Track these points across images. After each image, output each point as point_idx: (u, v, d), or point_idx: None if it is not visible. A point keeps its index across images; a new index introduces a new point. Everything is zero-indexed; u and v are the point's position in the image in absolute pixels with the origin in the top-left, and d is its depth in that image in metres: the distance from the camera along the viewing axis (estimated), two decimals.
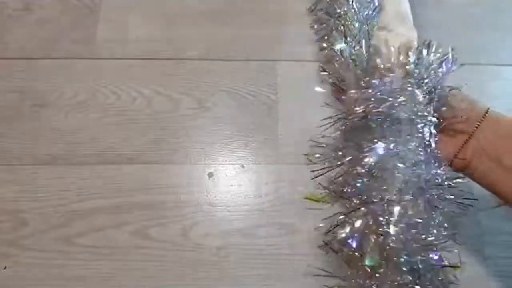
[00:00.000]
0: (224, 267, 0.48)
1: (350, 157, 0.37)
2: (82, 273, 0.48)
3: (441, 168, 0.37)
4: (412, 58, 0.38)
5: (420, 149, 0.36)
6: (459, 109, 0.37)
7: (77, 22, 0.59)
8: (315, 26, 0.50)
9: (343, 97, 0.39)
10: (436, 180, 0.36)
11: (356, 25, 0.41)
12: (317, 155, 0.39)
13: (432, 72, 0.38)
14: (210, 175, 0.53)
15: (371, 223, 0.35)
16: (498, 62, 0.59)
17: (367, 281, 0.35)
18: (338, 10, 0.43)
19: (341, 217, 0.36)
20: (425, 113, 0.36)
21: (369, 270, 0.34)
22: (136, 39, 0.58)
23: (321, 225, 0.39)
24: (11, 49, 0.58)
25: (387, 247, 0.34)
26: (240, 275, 0.48)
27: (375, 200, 0.35)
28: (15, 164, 0.52)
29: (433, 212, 0.36)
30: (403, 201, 0.34)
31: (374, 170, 0.35)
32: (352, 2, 0.42)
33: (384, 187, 0.35)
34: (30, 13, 0.60)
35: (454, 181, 0.38)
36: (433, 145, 0.37)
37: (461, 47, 0.61)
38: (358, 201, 0.36)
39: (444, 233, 0.36)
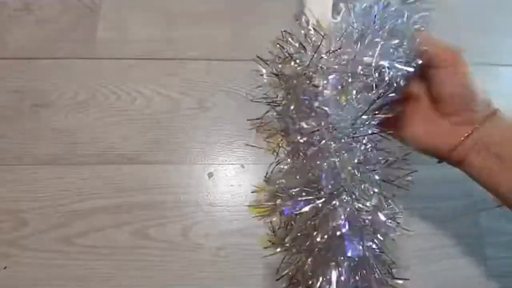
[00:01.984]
0: (224, 267, 0.49)
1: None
2: (82, 273, 0.48)
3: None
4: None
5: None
6: (477, 98, 0.35)
7: (77, 22, 0.59)
8: None
9: None
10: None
11: None
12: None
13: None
14: (210, 175, 0.53)
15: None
16: (498, 62, 0.59)
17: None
18: None
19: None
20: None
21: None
22: (136, 39, 0.58)
23: None
24: (11, 49, 0.58)
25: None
26: (240, 275, 0.48)
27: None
28: (15, 164, 0.52)
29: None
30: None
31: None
32: None
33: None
34: (30, 13, 0.60)
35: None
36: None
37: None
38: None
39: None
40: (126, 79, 0.56)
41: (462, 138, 0.36)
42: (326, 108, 0.33)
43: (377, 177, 0.35)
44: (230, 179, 0.52)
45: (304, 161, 0.34)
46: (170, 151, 0.53)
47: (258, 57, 0.38)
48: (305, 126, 0.33)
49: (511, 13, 0.62)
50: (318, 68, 0.34)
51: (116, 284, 0.48)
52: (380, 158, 0.35)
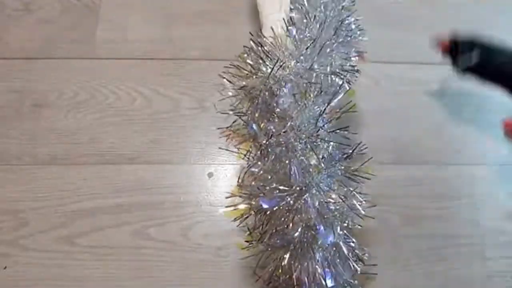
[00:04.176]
0: (224, 267, 0.49)
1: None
2: (82, 273, 0.48)
3: None
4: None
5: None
6: None
7: (77, 22, 0.59)
8: None
9: None
10: None
11: None
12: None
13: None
14: (210, 175, 0.53)
15: None
16: None
17: None
18: None
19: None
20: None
21: None
22: (136, 39, 0.58)
23: None
24: (11, 49, 0.58)
25: None
26: (240, 275, 0.48)
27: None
28: (14, 164, 0.52)
29: None
30: None
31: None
32: None
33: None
34: (30, 13, 0.60)
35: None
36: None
37: None
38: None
39: None
40: (126, 79, 0.56)
41: None
42: (288, 113, 0.37)
43: (339, 172, 0.38)
44: (230, 179, 0.52)
45: (274, 161, 0.37)
46: (170, 151, 0.53)
47: (221, 74, 0.41)
48: (272, 129, 0.36)
49: (511, 13, 0.62)
50: (277, 78, 0.37)
51: (116, 284, 0.48)
52: (341, 153, 0.38)
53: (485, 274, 0.49)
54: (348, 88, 0.40)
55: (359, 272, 0.40)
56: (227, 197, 0.45)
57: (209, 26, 0.60)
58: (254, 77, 0.39)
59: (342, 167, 0.38)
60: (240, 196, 0.40)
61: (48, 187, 0.51)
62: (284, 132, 0.36)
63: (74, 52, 0.57)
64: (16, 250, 0.48)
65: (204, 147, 0.54)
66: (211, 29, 0.59)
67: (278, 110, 0.37)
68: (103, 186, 0.51)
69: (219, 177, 0.53)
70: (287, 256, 0.38)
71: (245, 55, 0.41)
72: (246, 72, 0.40)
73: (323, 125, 0.37)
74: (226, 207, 0.43)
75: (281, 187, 0.37)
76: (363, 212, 0.39)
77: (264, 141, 0.37)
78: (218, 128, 0.49)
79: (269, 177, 0.38)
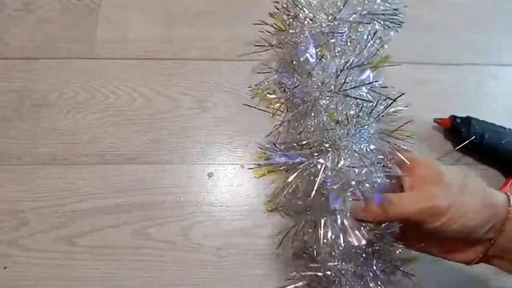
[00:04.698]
0: (224, 267, 0.49)
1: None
2: (82, 273, 0.48)
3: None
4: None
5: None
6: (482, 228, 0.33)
7: (77, 22, 0.59)
8: None
9: None
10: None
11: None
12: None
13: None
14: (210, 175, 0.53)
15: None
16: (498, 62, 0.59)
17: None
18: None
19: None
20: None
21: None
22: (136, 39, 0.58)
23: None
24: (11, 49, 0.58)
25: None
26: (240, 275, 0.48)
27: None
28: (14, 164, 0.52)
29: None
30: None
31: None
32: None
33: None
34: (30, 13, 0.60)
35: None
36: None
37: (461, 47, 0.61)
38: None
39: None
40: (126, 79, 0.56)
41: (483, 253, 0.35)
42: (311, 67, 0.34)
43: (371, 131, 0.33)
44: (230, 179, 0.52)
45: (296, 118, 0.35)
46: (170, 151, 0.53)
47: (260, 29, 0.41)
48: (293, 84, 0.34)
49: (511, 13, 0.62)
50: (302, 31, 0.36)
51: (116, 284, 0.48)
52: (373, 112, 0.34)
53: (485, 274, 0.49)
54: (384, 36, 0.37)
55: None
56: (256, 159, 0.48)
57: (209, 26, 0.60)
58: (283, 33, 0.37)
59: (379, 129, 0.34)
60: (265, 156, 0.39)
61: (48, 187, 0.51)
62: (302, 86, 0.33)
63: (74, 52, 0.57)
64: (16, 250, 0.48)
65: (204, 147, 0.54)
66: (211, 29, 0.59)
67: (301, 64, 0.35)
68: (103, 186, 0.51)
69: (219, 177, 0.53)
70: (303, 219, 0.36)
71: (276, 10, 0.40)
72: (276, 28, 0.38)
73: (349, 80, 0.33)
74: (253, 166, 0.47)
75: (297, 145, 0.34)
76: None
77: (285, 97, 0.35)
78: (249, 87, 0.49)
79: (289, 134, 0.36)
